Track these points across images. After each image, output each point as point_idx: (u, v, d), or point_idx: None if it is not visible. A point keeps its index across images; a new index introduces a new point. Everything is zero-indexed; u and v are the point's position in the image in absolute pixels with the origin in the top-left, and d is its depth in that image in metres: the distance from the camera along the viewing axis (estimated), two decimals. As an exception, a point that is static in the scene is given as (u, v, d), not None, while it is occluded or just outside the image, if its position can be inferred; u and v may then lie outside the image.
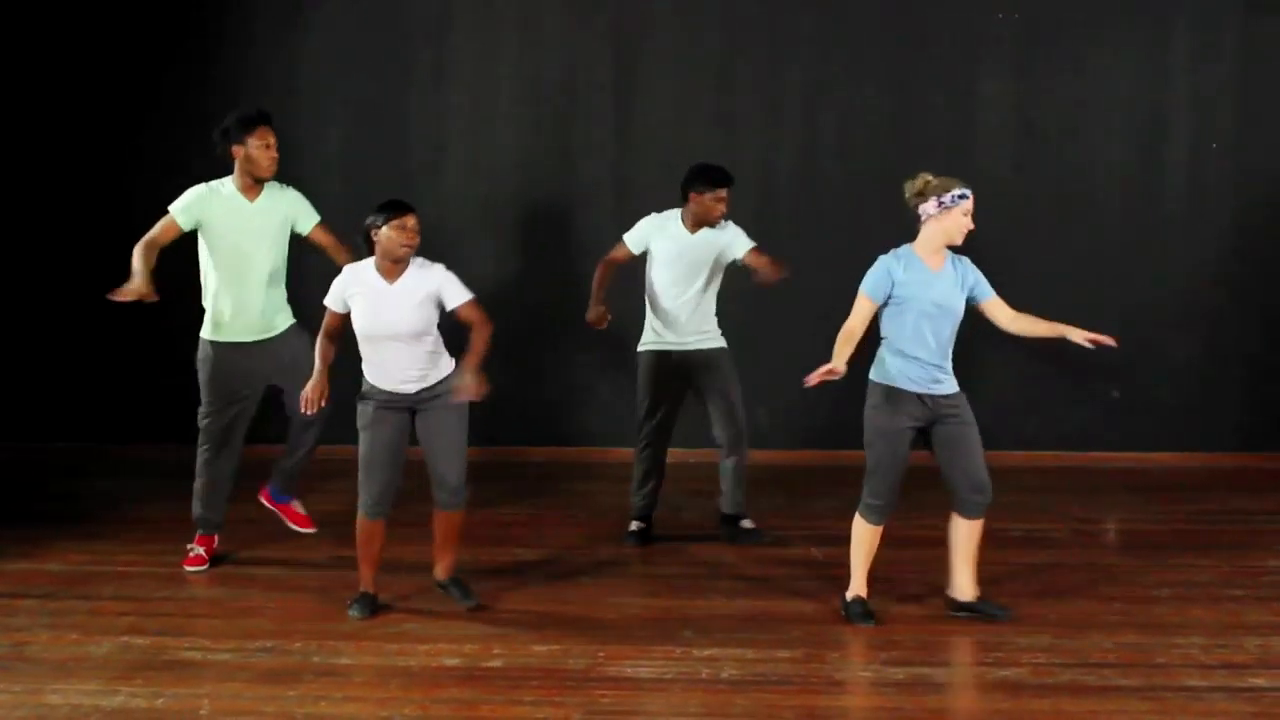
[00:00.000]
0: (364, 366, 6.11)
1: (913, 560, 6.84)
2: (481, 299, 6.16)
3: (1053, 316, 6.43)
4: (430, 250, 6.23)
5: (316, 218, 7.05)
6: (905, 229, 6.09)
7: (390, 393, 6.05)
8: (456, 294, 6.04)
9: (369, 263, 6.02)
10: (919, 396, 5.94)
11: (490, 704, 5.19)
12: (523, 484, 8.90)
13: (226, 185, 6.87)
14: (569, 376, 9.62)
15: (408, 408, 6.10)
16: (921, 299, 5.90)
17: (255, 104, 7.05)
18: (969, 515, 6.06)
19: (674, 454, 7.59)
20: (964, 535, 6.10)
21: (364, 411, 6.09)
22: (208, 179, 6.87)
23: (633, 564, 7.10)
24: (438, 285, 6.01)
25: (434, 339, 6.09)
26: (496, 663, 5.62)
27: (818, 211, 9.44)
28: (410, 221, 5.92)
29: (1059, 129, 9.35)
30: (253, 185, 6.90)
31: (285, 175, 7.01)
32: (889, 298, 5.95)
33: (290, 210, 7.00)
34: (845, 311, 5.96)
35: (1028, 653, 5.71)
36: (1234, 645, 5.81)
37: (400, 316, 5.94)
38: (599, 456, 9.42)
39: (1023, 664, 5.58)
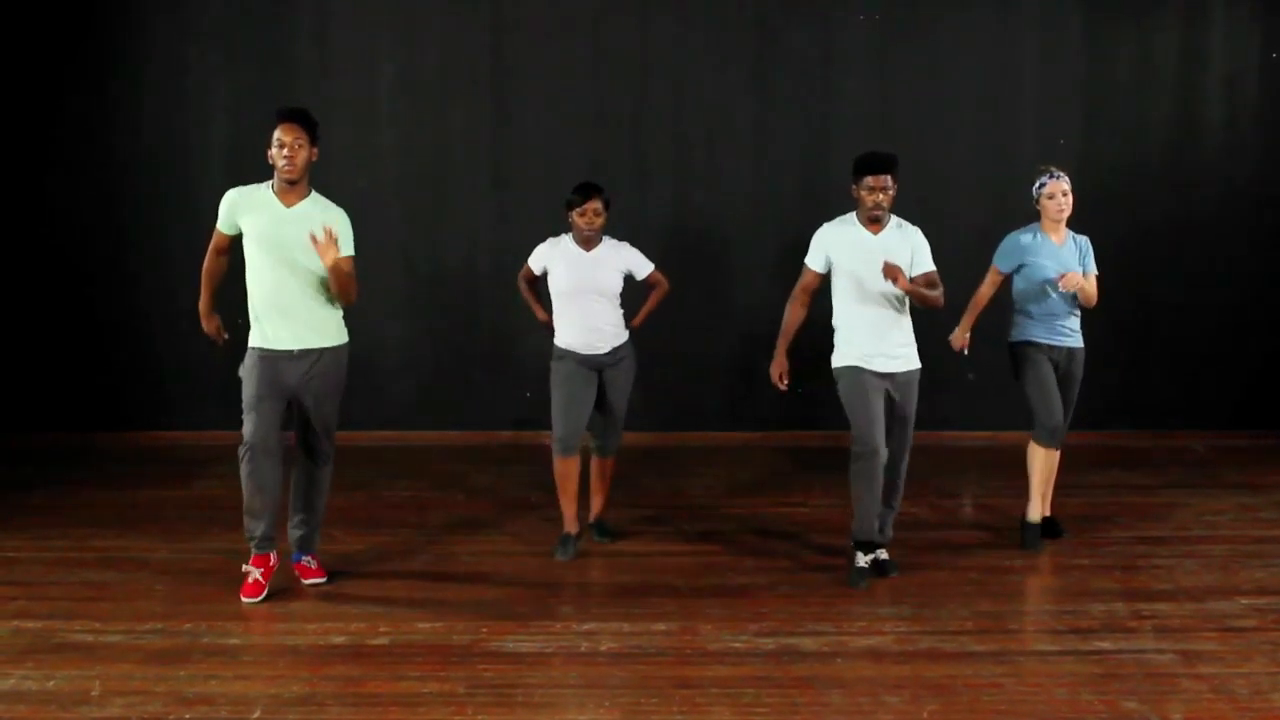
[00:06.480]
0: (558, 329, 7.03)
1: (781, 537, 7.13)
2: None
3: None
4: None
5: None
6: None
7: (584, 355, 6.94)
8: (644, 265, 7.09)
9: (568, 236, 6.98)
10: (1050, 345, 7.04)
11: (377, 680, 5.32)
12: (403, 466, 9.05)
13: (264, 186, 6.27)
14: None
15: (597, 368, 6.96)
16: (1044, 267, 6.94)
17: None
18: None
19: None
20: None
21: (560, 368, 6.99)
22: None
23: (511, 545, 7.24)
24: (628, 260, 7.04)
25: (619, 303, 7.01)
26: (383, 640, 5.76)
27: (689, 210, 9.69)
28: (590, 206, 6.84)
29: (915, 126, 9.67)
30: (287, 188, 6.24)
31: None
32: (1020, 266, 7.03)
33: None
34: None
35: (890, 622, 6.00)
36: (1080, 611, 6.16)
37: (595, 280, 6.91)
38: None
39: (885, 633, 5.87)
